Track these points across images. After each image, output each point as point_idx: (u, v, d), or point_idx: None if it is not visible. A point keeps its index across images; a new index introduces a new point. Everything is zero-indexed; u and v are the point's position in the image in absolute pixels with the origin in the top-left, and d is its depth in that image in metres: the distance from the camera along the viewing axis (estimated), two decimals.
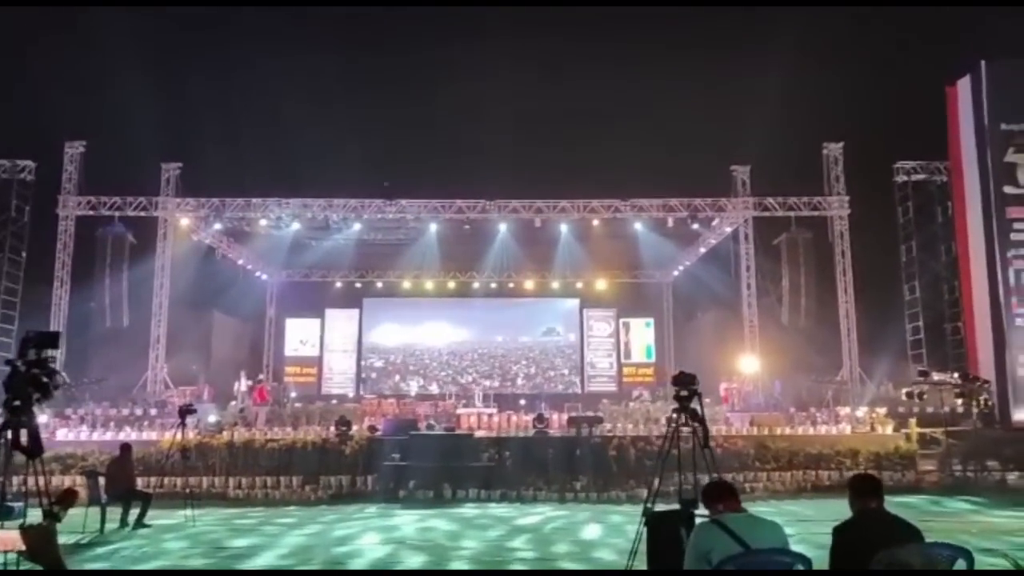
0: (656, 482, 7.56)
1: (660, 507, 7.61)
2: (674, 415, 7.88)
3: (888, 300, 27.15)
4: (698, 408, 7.78)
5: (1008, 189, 21.17)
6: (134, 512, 13.37)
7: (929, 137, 24.23)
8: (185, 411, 15.04)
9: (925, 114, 23.74)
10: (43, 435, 19.32)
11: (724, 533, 5.16)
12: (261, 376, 29.23)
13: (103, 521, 12.95)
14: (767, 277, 26.61)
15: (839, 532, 5.28)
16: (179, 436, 15.30)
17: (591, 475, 17.59)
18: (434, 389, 34.23)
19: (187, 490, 15.07)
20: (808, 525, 12.14)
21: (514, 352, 36.02)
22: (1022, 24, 22.33)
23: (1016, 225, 21.04)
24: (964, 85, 22.26)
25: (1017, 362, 20.34)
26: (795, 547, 5.20)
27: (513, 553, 11.03)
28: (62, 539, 12.11)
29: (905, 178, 26.55)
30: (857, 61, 26.90)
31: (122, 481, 13.65)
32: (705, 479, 7.55)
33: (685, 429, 7.90)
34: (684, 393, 7.80)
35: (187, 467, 16.07)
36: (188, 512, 14.01)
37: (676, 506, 7.23)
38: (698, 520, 6.11)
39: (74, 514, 12.97)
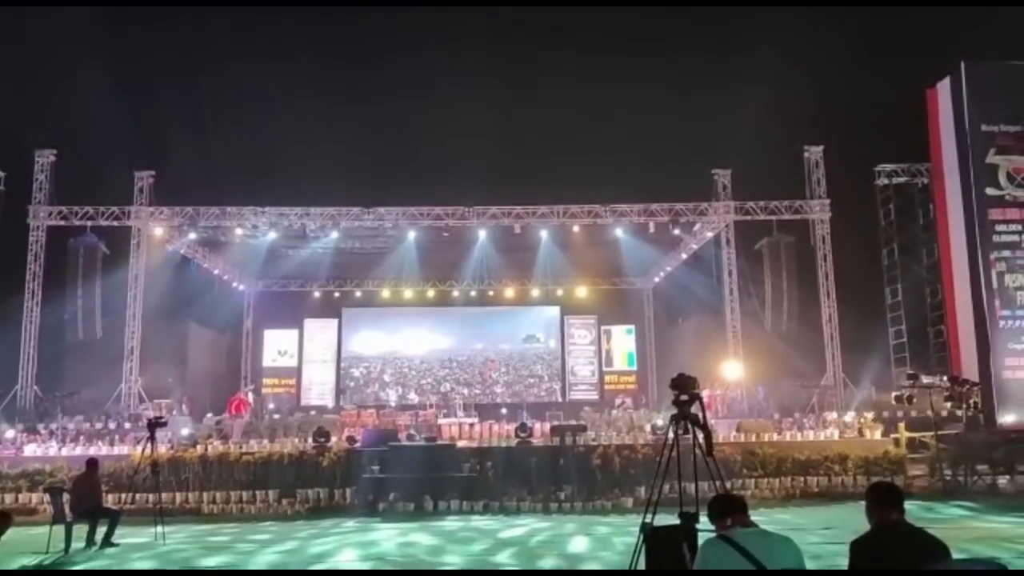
0: (655, 494, 7.04)
1: (657, 520, 7.08)
2: (673, 421, 7.36)
3: (871, 304, 26.93)
4: (699, 413, 7.29)
5: (990, 191, 20.91)
6: (101, 530, 12.72)
7: (910, 139, 24.11)
8: (154, 424, 14.39)
9: (906, 116, 23.58)
10: (10, 451, 18.85)
11: (734, 551, 4.73)
12: (252, 386, 28.93)
13: (68, 540, 12.29)
14: (749, 282, 26.39)
15: (858, 547, 4.84)
16: (149, 450, 14.67)
17: (576, 485, 17.30)
18: (414, 399, 33.73)
19: (157, 506, 14.41)
20: (802, 535, 11.69)
21: (495, 359, 35.56)
22: (1001, 25, 22.21)
23: (998, 227, 20.78)
24: (944, 87, 22.04)
25: (1002, 365, 20.05)
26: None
27: (499, 568, 10.48)
28: (24, 560, 11.53)
29: (886, 181, 26.32)
30: (837, 63, 26.74)
31: (88, 498, 13.00)
32: (704, 489, 7.11)
33: (685, 436, 7.39)
34: (684, 397, 7.30)
35: (158, 482, 15.41)
36: (158, 529, 13.35)
37: (674, 519, 6.72)
38: (702, 536, 5.66)
39: (38, 533, 12.39)
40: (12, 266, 25.20)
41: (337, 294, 34.60)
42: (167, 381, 27.05)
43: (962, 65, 21.44)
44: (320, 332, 35.58)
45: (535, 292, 33.92)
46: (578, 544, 12.35)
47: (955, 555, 4.74)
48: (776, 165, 26.28)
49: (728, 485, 16.55)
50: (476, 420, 24.51)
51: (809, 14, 26.58)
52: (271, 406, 30.42)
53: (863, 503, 4.99)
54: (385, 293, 33.84)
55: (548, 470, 17.58)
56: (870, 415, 21.03)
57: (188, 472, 17.57)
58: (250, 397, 26.14)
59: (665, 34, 29.22)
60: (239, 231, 26.58)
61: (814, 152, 25.73)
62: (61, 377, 24.86)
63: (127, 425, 22.04)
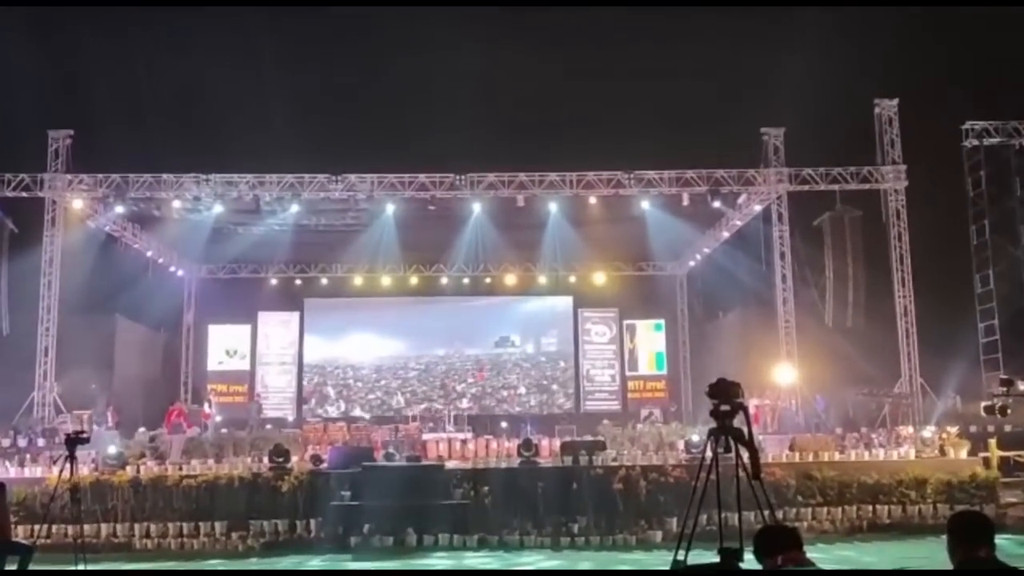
0: (690, 526, 7.05)
1: (692, 558, 7.11)
2: (711, 437, 7.36)
3: (956, 294, 26.94)
4: (744, 427, 7.28)
5: None
6: (11, 568, 12.73)
7: (1006, 91, 23.97)
8: (74, 441, 14.34)
9: (1001, 63, 23.47)
10: None
11: None
12: (212, 395, 29.00)
13: None
14: (806, 266, 26.36)
15: None
16: (67, 472, 14.65)
17: (592, 515, 17.34)
18: (393, 410, 33.78)
19: (78, 541, 14.42)
20: None
21: (493, 363, 35.68)
22: None
23: None
24: None
25: None
26: None
27: None
28: None
29: (976, 142, 26.26)
30: None
31: None
32: (750, 521, 7.13)
33: (726, 455, 7.39)
34: (725, 408, 7.29)
35: (79, 512, 15.42)
36: (79, 568, 13.37)
37: (713, 557, 6.73)
38: None
39: None
40: None
41: (298, 282, 34.58)
42: (90, 388, 27.04)
43: None
44: (277, 328, 35.62)
45: (542, 279, 33.89)
46: None
47: None
48: (840, 123, 26.19)
49: (779, 515, 16.64)
50: (470, 435, 24.53)
51: None
52: (218, 418, 30.38)
53: (944, 537, 4.99)
54: (357, 281, 33.84)
55: (558, 496, 17.57)
56: (954, 430, 20.93)
57: (116, 499, 17.55)
58: (209, 408, 26.32)
59: None
60: (177, 204, 26.46)
61: (887, 107, 25.62)
62: None
63: (40, 442, 22.00)
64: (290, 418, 33.29)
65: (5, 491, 14.00)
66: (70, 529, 15.85)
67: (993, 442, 19.95)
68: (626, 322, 35.96)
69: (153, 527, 17.41)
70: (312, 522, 17.30)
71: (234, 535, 17.24)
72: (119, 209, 26.54)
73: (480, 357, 35.85)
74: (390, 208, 26.75)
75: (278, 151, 26.03)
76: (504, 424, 29.93)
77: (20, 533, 14.88)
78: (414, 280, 34.05)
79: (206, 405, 27.63)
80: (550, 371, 35.84)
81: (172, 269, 32.88)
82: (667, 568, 7.05)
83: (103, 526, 17.13)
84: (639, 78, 28.31)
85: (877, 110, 25.71)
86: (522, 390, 35.57)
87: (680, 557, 7.02)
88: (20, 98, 23.58)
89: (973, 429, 21.62)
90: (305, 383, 35.29)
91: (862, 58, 25.79)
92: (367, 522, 16.93)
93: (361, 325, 35.69)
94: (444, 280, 34.14)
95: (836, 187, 25.71)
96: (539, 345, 36.14)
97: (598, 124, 27.70)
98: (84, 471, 17.21)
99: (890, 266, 25.58)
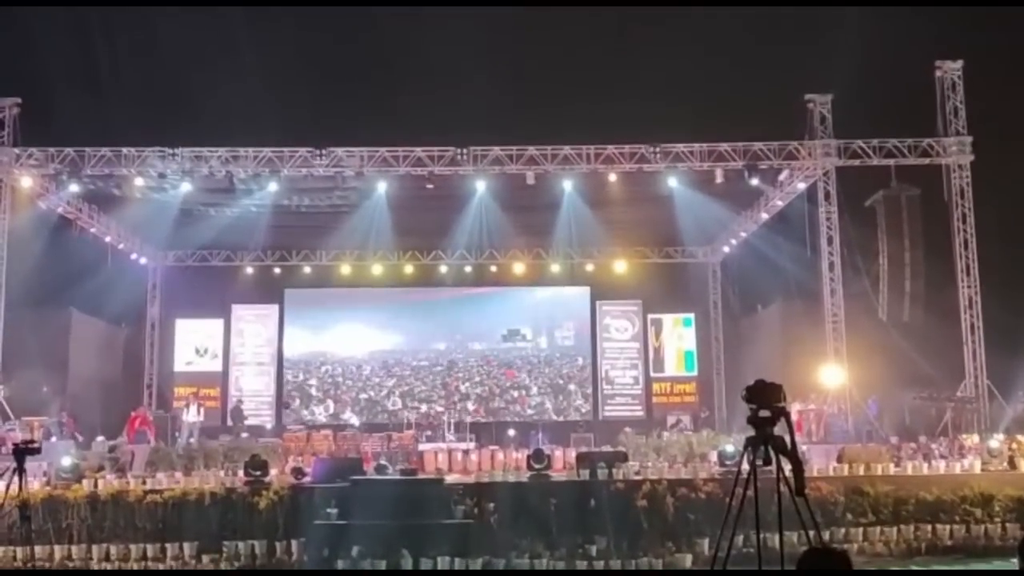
0: (724, 548, 7.05)
1: None
2: (749, 447, 7.35)
3: None
4: (786, 436, 7.27)
5: None
6: None
7: None
8: (24, 451, 14.39)
9: None
10: None
11: None
12: (186, 402, 28.85)
13: None
14: (857, 253, 26.23)
15: None
16: (15, 487, 14.69)
17: (612, 535, 17.34)
18: (384, 416, 33.85)
19: (28, 564, 14.51)
20: None
21: (497, 360, 35.75)
22: None
23: None
24: None
25: None
26: None
27: None
28: None
29: None
30: None
31: None
32: (793, 542, 7.12)
33: (766, 468, 7.38)
34: (765, 414, 7.28)
35: (30, 532, 15.50)
36: None
37: None
38: None
39: None
40: None
41: (278, 270, 34.67)
42: (41, 391, 27.12)
43: None
44: (254, 323, 35.75)
45: (555, 268, 33.97)
46: None
47: None
48: (896, 88, 26.17)
49: (826, 536, 16.66)
50: (472, 445, 24.57)
51: None
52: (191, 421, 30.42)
53: (1015, 560, 5.00)
54: (344, 269, 33.94)
55: (574, 515, 17.57)
56: None
57: (71, 517, 17.55)
58: (193, 415, 26.40)
59: None
60: (140, 181, 26.45)
61: (950, 70, 25.52)
62: None
63: None
64: (269, 425, 33.30)
65: None
66: (19, 552, 15.91)
67: None
68: (651, 316, 35.99)
69: (113, 549, 17.41)
70: (294, 544, 17.29)
71: (205, 558, 17.27)
72: (74, 188, 26.53)
73: (486, 353, 35.94)
74: (382, 186, 26.78)
75: (254, 121, 26.02)
76: (512, 432, 29.96)
77: None
78: (409, 268, 34.12)
79: (192, 409, 27.53)
80: (567, 368, 35.91)
81: (134, 256, 32.95)
82: None
83: (56, 548, 17.09)
84: (666, 37, 28.24)
85: (939, 73, 25.58)
86: (534, 390, 35.66)
87: None
88: None
89: None
90: (289, 378, 35.37)
91: (922, 14, 25.64)
92: (357, 543, 16.87)
93: (350, 319, 35.81)
94: (443, 269, 34.20)
95: (891, 162, 25.64)
96: (553, 339, 36.17)
97: (619, 90, 27.67)
98: (35, 486, 17.19)
99: (953, 252, 25.49)
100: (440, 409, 33.65)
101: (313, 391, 35.34)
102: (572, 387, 35.71)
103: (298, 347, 35.59)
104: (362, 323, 35.80)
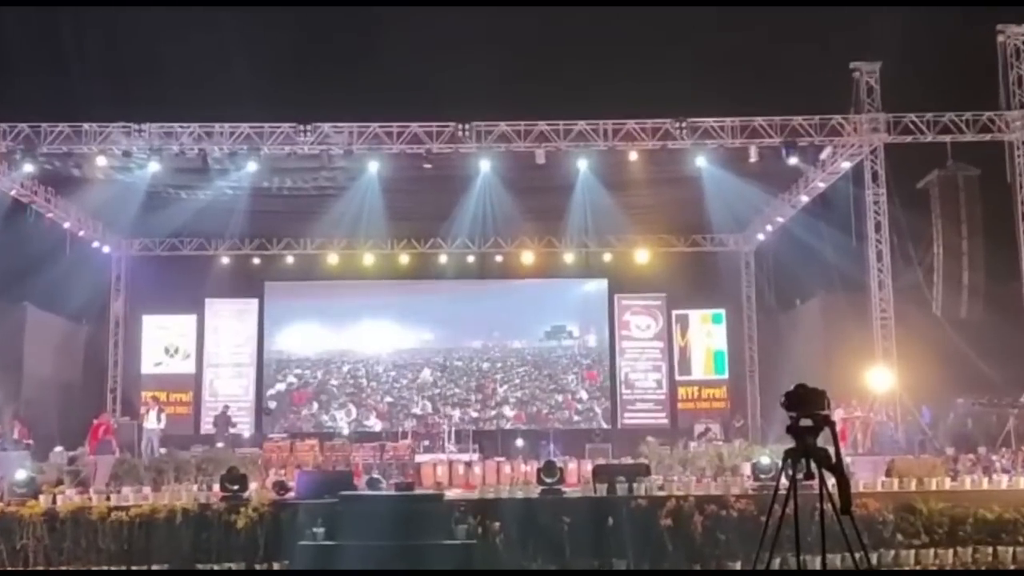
0: (761, 571, 7.10)
1: None
2: (787, 460, 7.38)
3: None
4: (830, 448, 7.29)
5: None
6: None
7: None
8: None
9: None
10: None
11: None
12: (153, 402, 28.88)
13: None
14: (909, 241, 26.26)
15: None
16: None
17: (633, 558, 17.42)
18: (377, 425, 33.99)
19: None
20: None
21: (504, 363, 35.79)
22: None
23: None
24: None
25: None
26: None
27: None
28: None
29: None
30: None
31: None
32: (837, 564, 7.16)
33: (807, 483, 7.41)
34: (806, 423, 7.30)
35: None
36: None
37: None
38: None
39: None
40: None
41: (257, 260, 34.78)
42: None
43: None
44: (231, 320, 35.89)
45: (568, 258, 34.08)
46: None
47: None
48: (952, 56, 26.02)
49: (873, 559, 16.71)
50: (476, 456, 24.57)
51: None
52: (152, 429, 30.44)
53: None
54: (332, 259, 34.04)
55: (590, 535, 17.63)
56: None
57: (26, 537, 17.57)
58: (152, 421, 26.46)
59: None
60: (102, 161, 26.50)
61: (1014, 35, 25.46)
62: None
63: None
64: (246, 434, 33.26)
65: None
66: None
67: None
68: (676, 312, 36.09)
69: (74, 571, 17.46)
70: (276, 566, 17.37)
71: None
72: (28, 168, 26.50)
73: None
74: (374, 166, 26.79)
75: (230, 93, 26.16)
76: (520, 442, 30.00)
77: None
78: (404, 258, 34.24)
79: (152, 415, 27.59)
80: (573, 373, 36.08)
81: (96, 245, 32.99)
82: None
83: (10, 571, 17.15)
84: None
85: (1001, 39, 25.52)
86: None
87: None
88: None
89: None
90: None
91: None
92: (346, 566, 16.88)
93: (339, 315, 35.85)
94: (443, 259, 34.30)
95: (947, 138, 25.60)
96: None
97: (640, 57, 27.62)
98: None
99: (1016, 240, 25.47)
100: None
101: (305, 391, 35.43)
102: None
103: (280, 346, 35.67)
104: (354, 319, 35.96)
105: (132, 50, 28.54)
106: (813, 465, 7.48)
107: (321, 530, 17.38)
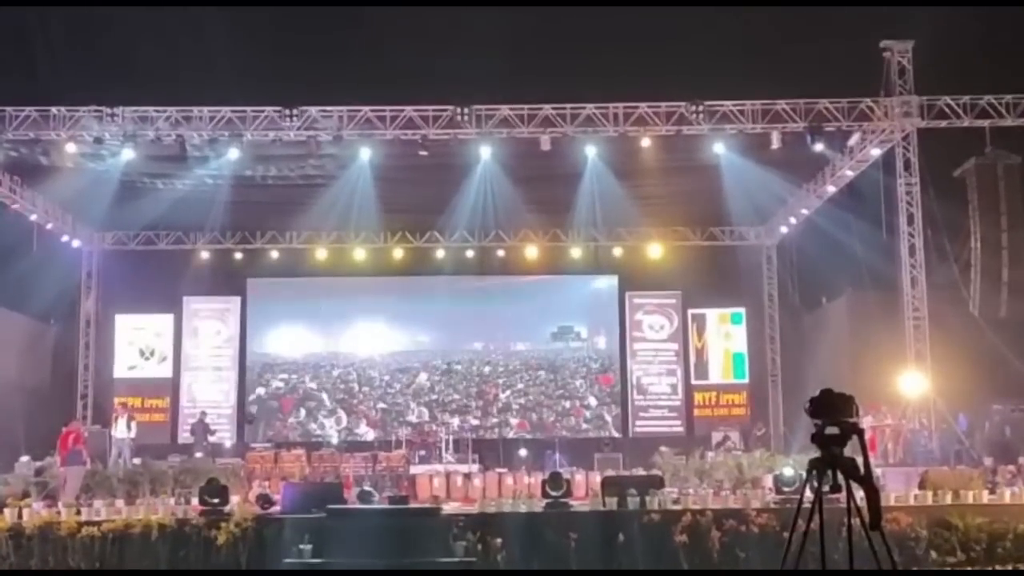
0: None
1: None
2: (813, 471, 7.24)
3: None
4: (859, 458, 7.15)
5: None
6: None
7: None
8: None
9: None
10: None
11: None
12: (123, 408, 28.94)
13: None
14: (944, 234, 26.21)
15: None
16: None
17: None
18: (369, 433, 34.04)
19: None
20: None
21: (506, 367, 35.79)
22: None
23: None
24: None
25: None
26: None
27: None
28: None
29: None
30: None
31: None
32: None
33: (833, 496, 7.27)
34: (832, 431, 7.15)
35: None
36: None
37: None
38: None
39: None
40: None
41: (239, 255, 34.86)
42: None
43: None
44: (211, 320, 35.87)
45: (575, 253, 34.19)
46: None
47: None
48: (992, 34, 26.00)
49: None
50: (476, 468, 24.56)
51: None
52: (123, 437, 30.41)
53: None
54: (320, 254, 34.09)
55: (598, 552, 17.60)
56: None
57: None
58: (122, 430, 26.37)
59: None
60: (72, 148, 26.59)
61: None
62: None
63: None
64: (228, 443, 33.23)
65: None
66: None
67: None
68: (692, 311, 36.09)
69: None
70: None
71: None
72: None
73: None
74: (365, 154, 26.93)
75: (210, 75, 26.09)
76: (523, 452, 29.94)
77: None
78: (399, 253, 34.32)
79: (122, 423, 27.53)
80: (581, 377, 36.08)
81: (66, 238, 33.13)
82: None
83: None
84: None
85: None
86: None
87: None
88: None
89: None
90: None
91: None
92: None
93: (328, 314, 35.87)
94: (440, 254, 34.40)
95: (986, 123, 25.62)
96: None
97: (653, 35, 27.50)
98: None
99: None
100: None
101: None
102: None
103: (264, 348, 35.70)
104: (343, 318, 35.95)
105: (104, 29, 28.44)
106: (840, 477, 7.37)
107: (308, 547, 17.27)
